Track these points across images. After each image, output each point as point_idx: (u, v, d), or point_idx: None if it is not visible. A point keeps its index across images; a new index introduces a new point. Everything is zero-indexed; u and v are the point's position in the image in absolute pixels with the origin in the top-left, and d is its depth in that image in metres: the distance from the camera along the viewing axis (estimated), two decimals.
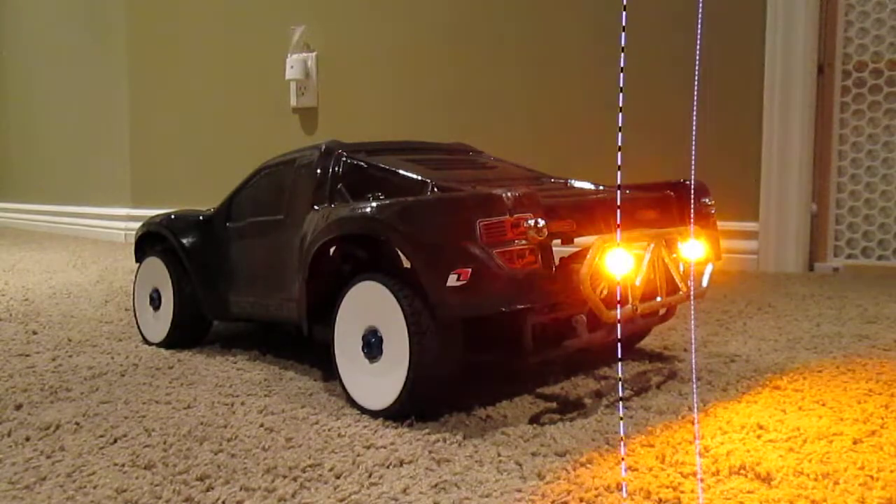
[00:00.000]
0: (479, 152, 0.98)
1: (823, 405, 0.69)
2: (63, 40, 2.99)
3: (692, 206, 0.80)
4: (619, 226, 0.73)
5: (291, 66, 2.13)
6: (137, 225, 1.09)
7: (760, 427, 0.63)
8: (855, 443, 0.60)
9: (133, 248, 1.09)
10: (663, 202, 0.81)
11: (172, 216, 1.01)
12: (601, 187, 0.85)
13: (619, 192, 0.78)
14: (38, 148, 3.27)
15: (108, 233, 2.63)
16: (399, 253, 0.71)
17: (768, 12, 1.51)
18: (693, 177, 0.81)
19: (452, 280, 0.63)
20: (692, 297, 0.75)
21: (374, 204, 0.70)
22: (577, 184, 0.87)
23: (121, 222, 2.57)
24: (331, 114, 2.14)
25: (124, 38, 2.56)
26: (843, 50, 1.52)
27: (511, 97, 1.82)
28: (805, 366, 0.83)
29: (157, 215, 1.04)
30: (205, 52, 2.40)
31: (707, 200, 0.82)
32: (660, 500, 0.51)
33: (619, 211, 0.74)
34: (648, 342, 0.95)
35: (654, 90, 1.56)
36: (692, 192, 0.80)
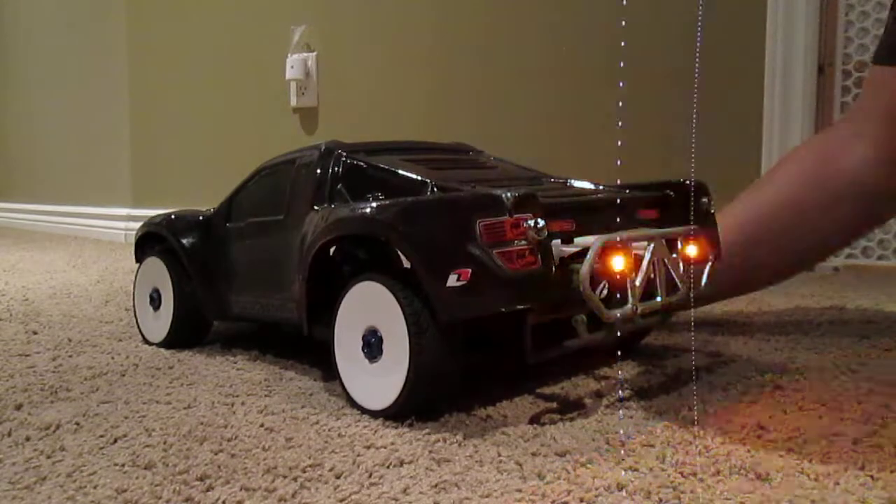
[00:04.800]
0: (480, 152, 0.98)
1: (823, 405, 0.69)
2: (63, 40, 2.99)
3: (692, 205, 0.80)
4: (619, 226, 0.73)
5: (291, 66, 2.13)
6: (138, 225, 1.09)
7: (760, 427, 0.63)
8: (855, 443, 0.60)
9: (133, 248, 1.09)
10: (663, 202, 0.81)
11: (172, 216, 1.01)
12: (601, 187, 0.85)
13: (618, 194, 0.78)
14: (38, 148, 3.27)
15: (109, 233, 2.63)
16: (399, 253, 0.71)
17: (768, 12, 1.51)
18: (693, 176, 0.80)
19: (452, 280, 0.63)
20: (692, 298, 0.75)
21: (373, 204, 0.70)
22: (577, 184, 0.87)
23: (121, 222, 2.57)
24: (331, 114, 2.14)
25: (125, 38, 2.56)
26: (844, 50, 1.52)
27: (512, 97, 1.82)
28: (805, 366, 0.83)
29: (157, 216, 1.04)
30: (205, 52, 2.40)
31: (707, 200, 0.82)
32: (660, 500, 0.51)
33: (619, 210, 0.74)
34: (648, 342, 0.95)
35: (653, 90, 1.56)
36: (692, 191, 0.80)
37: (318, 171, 0.83)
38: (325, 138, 0.89)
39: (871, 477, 0.54)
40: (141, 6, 2.53)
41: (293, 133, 2.18)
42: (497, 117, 1.83)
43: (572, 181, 0.88)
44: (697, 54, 1.44)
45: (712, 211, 0.83)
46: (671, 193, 0.82)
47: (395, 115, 2.00)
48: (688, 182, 0.81)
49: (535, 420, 0.68)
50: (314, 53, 2.14)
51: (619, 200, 0.76)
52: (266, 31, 2.23)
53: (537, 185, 0.83)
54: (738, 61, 1.54)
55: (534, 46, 1.78)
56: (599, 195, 0.80)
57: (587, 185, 0.86)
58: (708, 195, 0.83)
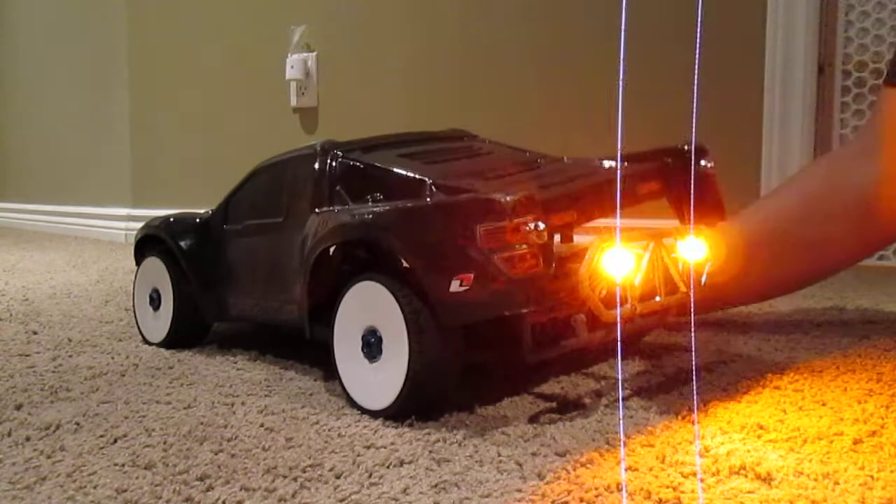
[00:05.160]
0: (474, 137, 0.97)
1: (824, 405, 0.69)
2: (63, 39, 2.99)
3: (692, 171, 0.78)
4: (618, 226, 0.73)
5: (291, 66, 2.13)
6: (138, 225, 1.09)
7: (761, 427, 0.63)
8: (855, 443, 0.60)
9: (133, 250, 1.09)
10: (663, 172, 0.80)
11: (171, 219, 1.01)
12: (600, 161, 0.83)
13: (617, 169, 0.78)
14: (38, 148, 3.27)
15: (109, 233, 2.63)
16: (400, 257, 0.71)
17: (768, 12, 1.51)
18: (693, 139, 0.79)
19: (455, 286, 0.63)
20: (692, 298, 0.75)
21: (374, 209, 0.70)
22: (573, 163, 0.86)
23: (121, 222, 2.57)
24: (331, 114, 2.14)
25: (125, 38, 2.56)
26: (844, 50, 1.52)
27: (513, 97, 1.82)
28: (805, 366, 0.83)
29: (156, 218, 1.04)
30: (205, 52, 2.40)
31: (706, 163, 0.80)
32: (660, 500, 0.51)
33: (618, 211, 0.74)
34: (648, 342, 0.95)
35: (653, 90, 1.56)
36: (692, 157, 0.79)
37: (315, 172, 0.83)
38: (325, 138, 0.89)
39: (871, 477, 0.54)
40: (141, 6, 2.53)
41: (293, 133, 2.18)
42: (498, 117, 1.83)
43: (567, 159, 0.87)
44: (697, 56, 1.44)
45: (713, 173, 0.81)
46: (670, 161, 0.81)
47: (396, 115, 2.00)
48: (687, 146, 0.80)
49: (534, 420, 0.68)
50: (314, 53, 2.14)
51: (618, 179, 0.76)
52: (266, 31, 2.23)
53: (535, 173, 0.82)
54: (738, 61, 1.54)
55: (534, 46, 1.78)
56: (598, 177, 0.79)
57: (584, 161, 0.85)
58: (707, 156, 0.81)
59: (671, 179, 0.80)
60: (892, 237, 1.03)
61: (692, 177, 0.78)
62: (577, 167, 0.85)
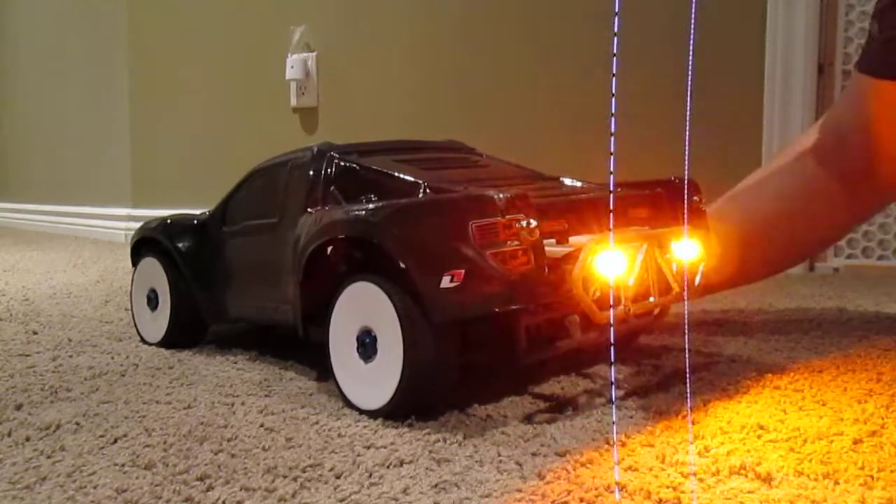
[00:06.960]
0: (472, 150, 0.97)
1: (824, 405, 0.69)
2: (63, 39, 2.99)
3: (685, 204, 0.79)
4: (611, 226, 0.73)
5: (291, 66, 2.13)
6: (138, 225, 1.09)
7: (761, 427, 0.63)
8: (855, 443, 0.60)
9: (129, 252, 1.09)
10: (655, 200, 0.81)
11: (168, 221, 1.01)
12: (593, 185, 0.84)
13: (611, 196, 0.78)
14: (39, 148, 3.27)
15: (109, 233, 2.63)
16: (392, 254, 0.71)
17: (768, 12, 1.51)
18: (685, 175, 0.80)
19: (446, 282, 0.63)
20: (686, 298, 0.75)
21: (366, 206, 0.70)
22: (569, 182, 0.87)
23: (121, 222, 2.57)
24: (331, 114, 2.14)
25: (125, 38, 2.56)
26: (844, 50, 1.52)
27: (512, 96, 1.82)
28: (805, 366, 0.83)
29: (153, 220, 1.04)
30: (205, 52, 2.40)
31: (698, 199, 0.82)
32: (660, 500, 0.51)
33: (611, 212, 0.74)
34: (647, 342, 0.95)
35: (650, 91, 1.56)
36: (684, 190, 0.80)
37: (311, 173, 0.83)
38: (325, 138, 0.89)
39: (871, 477, 0.54)
40: (141, 6, 2.53)
41: (293, 133, 2.18)
42: (497, 117, 1.83)
43: (565, 179, 0.88)
44: (691, 53, 1.44)
45: (703, 209, 0.82)
46: (662, 192, 0.81)
47: (396, 116, 2.00)
48: (679, 180, 0.81)
49: (534, 420, 0.68)
50: (314, 53, 2.14)
51: (612, 203, 0.76)
52: (266, 31, 2.23)
53: (529, 185, 0.83)
54: (738, 61, 1.54)
55: (534, 46, 1.78)
56: (591, 194, 0.80)
57: (579, 183, 0.86)
58: (699, 193, 0.82)
59: (661, 209, 0.80)
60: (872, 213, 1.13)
61: (686, 207, 0.79)
62: (572, 185, 0.86)
